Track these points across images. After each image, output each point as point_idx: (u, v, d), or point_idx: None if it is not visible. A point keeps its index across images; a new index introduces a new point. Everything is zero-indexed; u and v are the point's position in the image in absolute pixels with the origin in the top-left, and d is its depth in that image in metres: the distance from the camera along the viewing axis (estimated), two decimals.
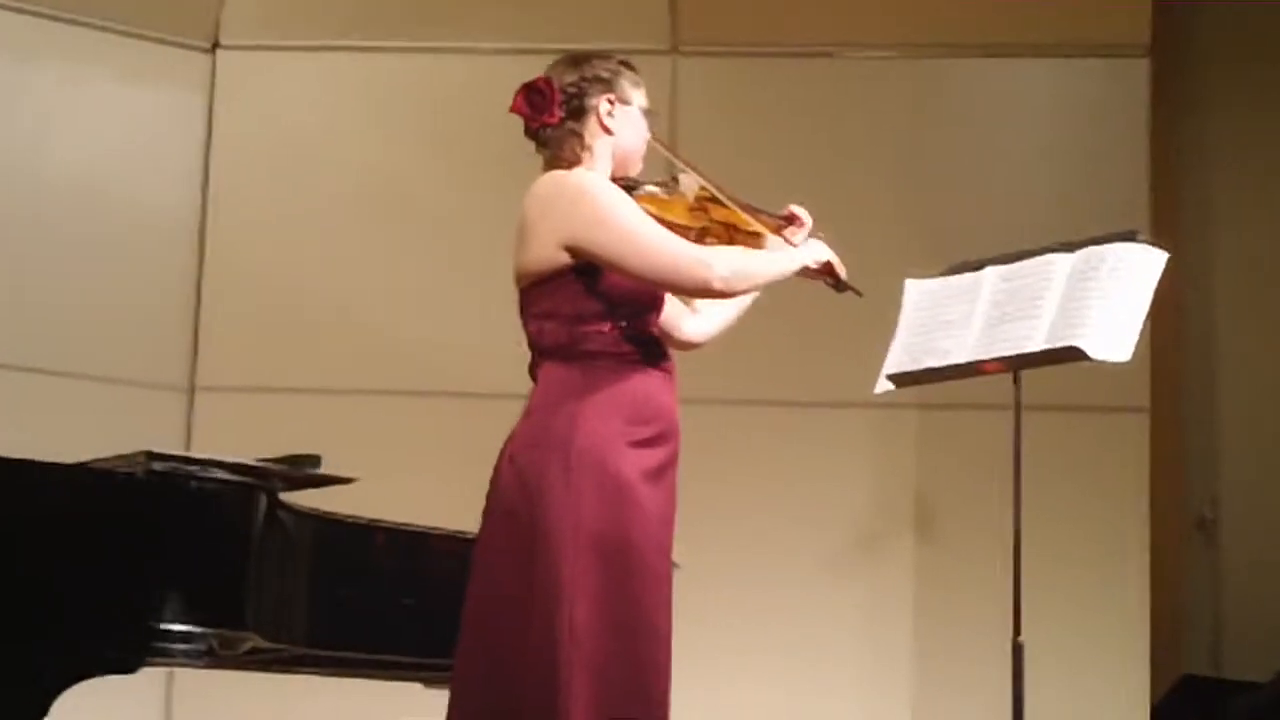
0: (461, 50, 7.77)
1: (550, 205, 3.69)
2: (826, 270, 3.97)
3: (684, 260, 3.66)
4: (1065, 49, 7.71)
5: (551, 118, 3.79)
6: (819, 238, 4.05)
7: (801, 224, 4.04)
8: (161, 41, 7.83)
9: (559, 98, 3.79)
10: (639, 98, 3.88)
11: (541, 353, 3.74)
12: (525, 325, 3.77)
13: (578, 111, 3.80)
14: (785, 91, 7.81)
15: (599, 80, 3.82)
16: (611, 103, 3.82)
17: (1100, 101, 7.74)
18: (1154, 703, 7.21)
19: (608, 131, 3.82)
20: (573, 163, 3.79)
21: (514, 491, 3.63)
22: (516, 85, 3.83)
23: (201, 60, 7.90)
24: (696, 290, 3.74)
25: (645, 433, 3.65)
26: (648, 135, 3.90)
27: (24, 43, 7.57)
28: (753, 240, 3.96)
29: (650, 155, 3.96)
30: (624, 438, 3.62)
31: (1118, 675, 7.21)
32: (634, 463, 3.61)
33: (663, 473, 3.68)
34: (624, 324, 3.70)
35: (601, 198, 3.68)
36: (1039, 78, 7.86)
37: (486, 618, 3.63)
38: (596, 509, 3.55)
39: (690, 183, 3.90)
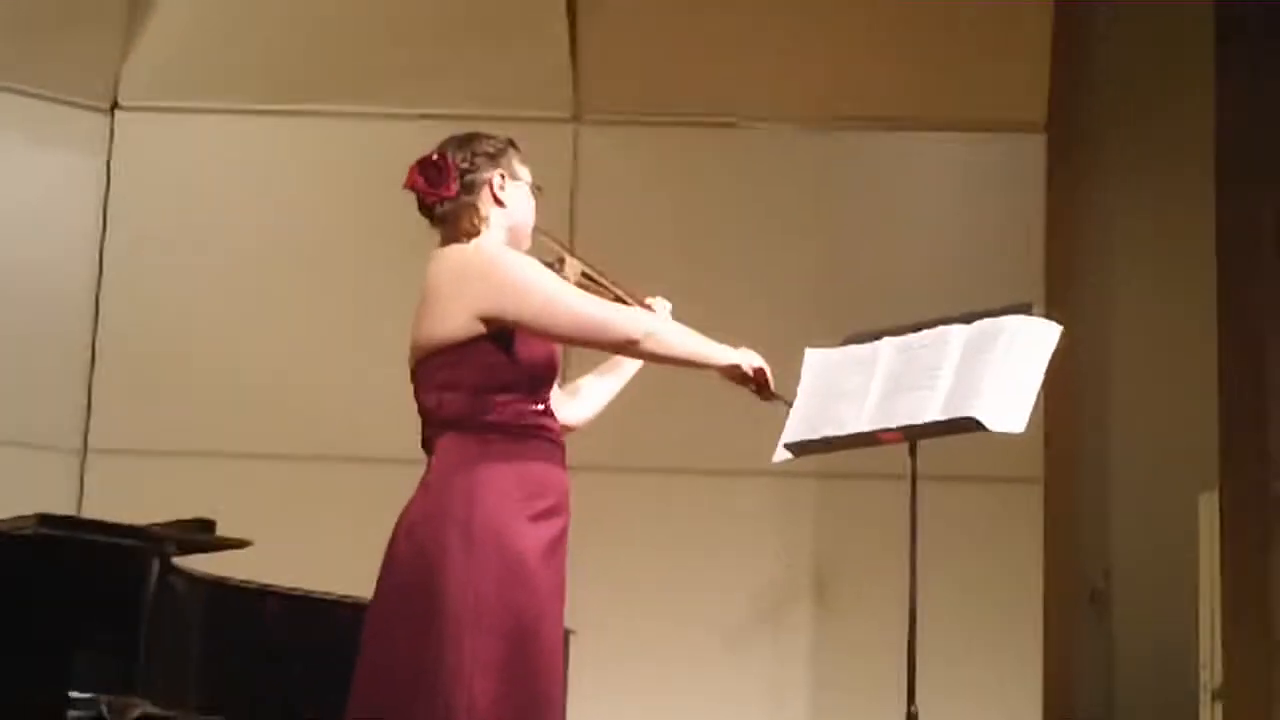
0: (364, 115, 7.76)
1: (460, 277, 3.72)
2: (757, 378, 4.04)
3: (604, 314, 3.77)
4: (965, 123, 7.81)
5: (449, 191, 3.82)
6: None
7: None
8: (59, 101, 7.78)
9: (454, 171, 3.82)
10: (526, 174, 3.94)
11: (440, 424, 3.74)
12: (421, 397, 3.78)
13: (470, 186, 3.84)
14: (688, 160, 7.85)
15: (488, 156, 3.87)
16: (504, 177, 3.87)
17: (998, 175, 7.84)
18: None
19: (500, 204, 3.86)
20: (471, 235, 3.82)
21: (410, 565, 3.62)
22: (420, 149, 3.84)
23: (99, 121, 7.85)
24: (621, 345, 3.82)
25: (541, 505, 3.68)
26: (533, 211, 3.94)
27: None
28: None
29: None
30: (522, 512, 3.64)
31: None
32: (532, 537, 3.64)
33: (556, 546, 3.71)
34: (524, 396, 3.73)
35: (515, 266, 3.74)
36: (939, 151, 7.94)
37: (378, 689, 3.61)
38: (497, 584, 3.56)
39: (575, 264, 3.98)
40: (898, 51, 7.75)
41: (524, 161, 3.94)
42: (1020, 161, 7.77)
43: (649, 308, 4.06)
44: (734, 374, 4.00)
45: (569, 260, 3.97)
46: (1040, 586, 7.40)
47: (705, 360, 3.95)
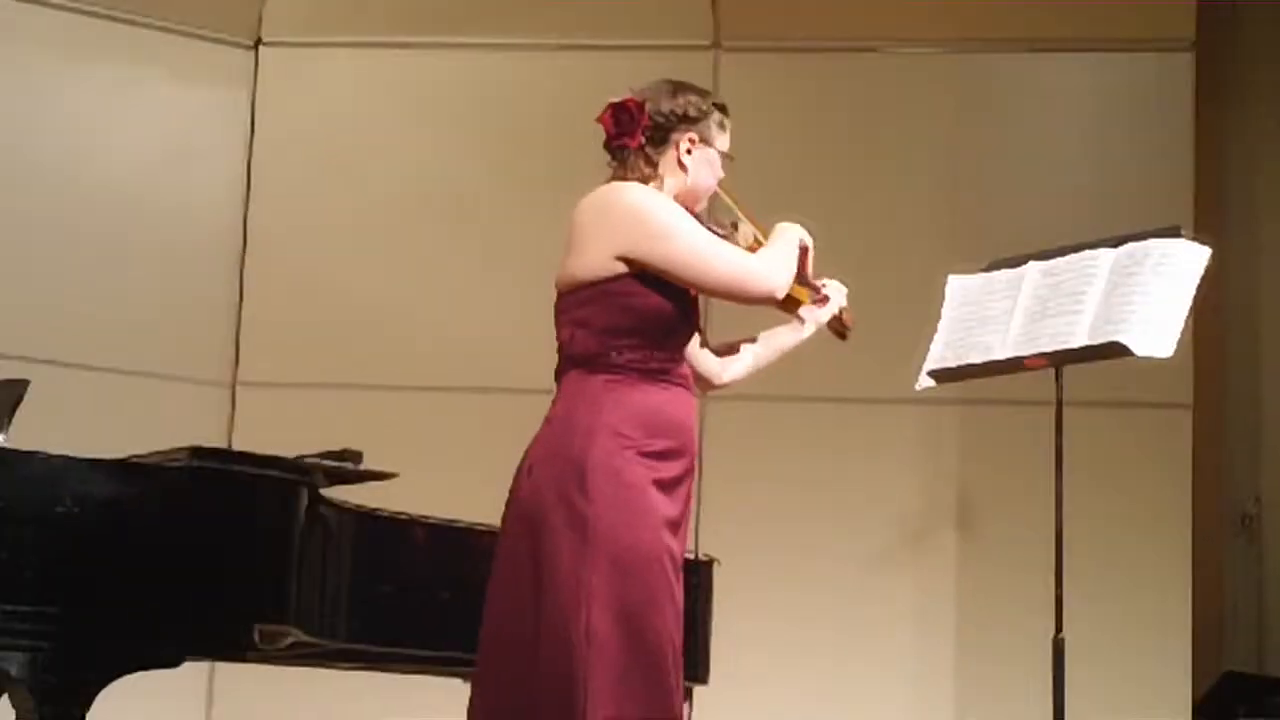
0: (504, 47, 7.76)
1: (607, 215, 3.72)
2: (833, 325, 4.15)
3: (743, 265, 3.78)
4: (1110, 44, 7.68)
5: (633, 141, 3.82)
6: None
7: (827, 300, 4.12)
8: (205, 39, 7.87)
9: (646, 123, 3.82)
10: (722, 142, 3.93)
11: (569, 359, 3.76)
12: (558, 330, 3.80)
13: (659, 141, 3.84)
14: (828, 87, 7.79)
15: (687, 118, 3.86)
16: (693, 142, 3.86)
17: (1144, 96, 7.71)
18: (1195, 699, 7.17)
19: (682, 168, 3.86)
20: (641, 183, 3.81)
21: (530, 499, 3.66)
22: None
23: (244, 57, 7.93)
24: (761, 297, 3.82)
25: (659, 445, 3.68)
26: (720, 176, 3.94)
27: (73, 41, 7.61)
28: (789, 305, 4.06)
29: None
30: (639, 449, 3.65)
31: (1159, 671, 7.18)
32: (648, 474, 3.65)
33: (676, 484, 3.72)
34: (654, 342, 3.73)
35: (663, 212, 3.73)
36: (1083, 73, 7.82)
37: (504, 622, 3.66)
38: (610, 518, 3.58)
39: (748, 232, 3.97)
40: None
41: (724, 128, 3.93)
42: (1168, 81, 7.64)
43: (820, 293, 4.09)
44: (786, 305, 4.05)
45: (743, 226, 3.96)
46: (1189, 513, 7.32)
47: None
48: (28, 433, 4.41)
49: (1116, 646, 7.00)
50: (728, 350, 4.13)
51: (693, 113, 3.86)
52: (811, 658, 7.30)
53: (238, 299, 7.81)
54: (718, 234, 3.88)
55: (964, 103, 7.77)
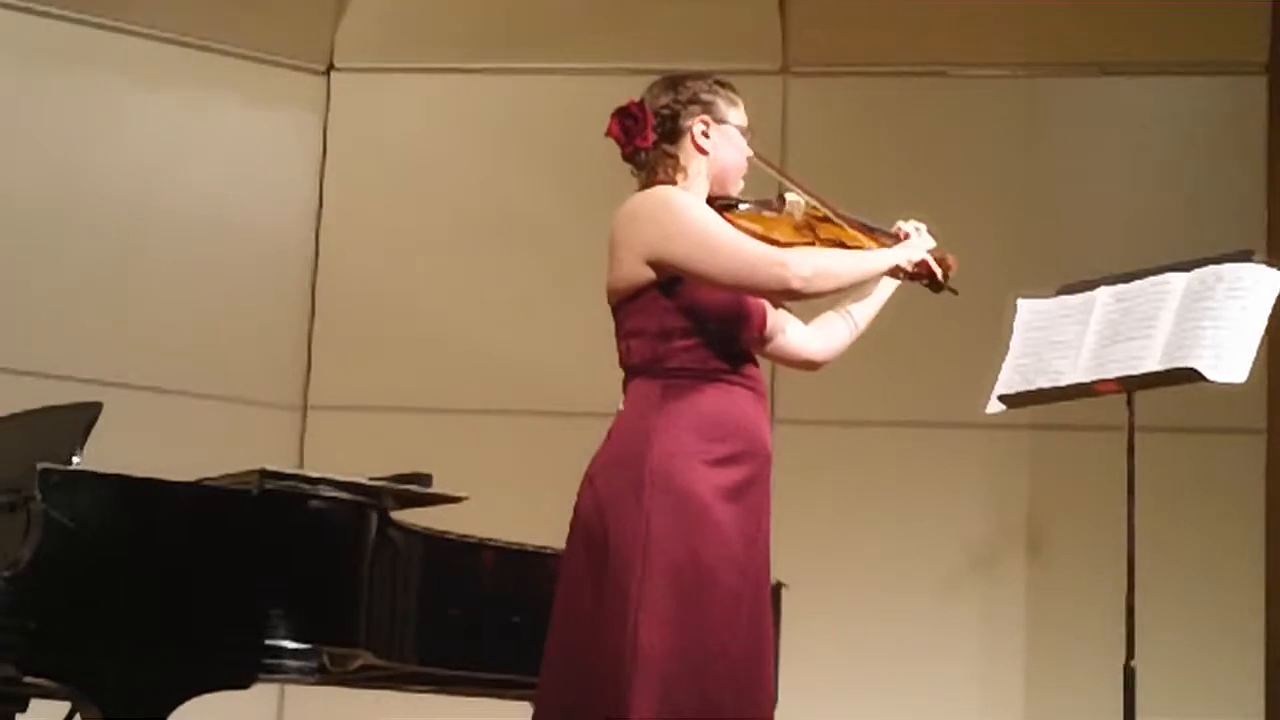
0: (572, 71, 7.80)
1: (634, 222, 3.70)
2: (923, 270, 3.93)
3: (760, 260, 3.64)
4: (1181, 66, 7.64)
5: (645, 141, 3.79)
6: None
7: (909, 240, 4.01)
8: (278, 64, 7.93)
9: (652, 120, 3.79)
10: (736, 116, 3.86)
11: (629, 370, 3.74)
12: (617, 343, 3.78)
13: (672, 134, 3.80)
14: (897, 111, 7.78)
15: (693, 101, 3.81)
16: (706, 123, 3.81)
17: (1217, 119, 7.67)
18: None
19: (702, 152, 3.81)
20: (667, 184, 3.78)
21: (591, 512, 3.62)
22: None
23: (316, 82, 8.00)
24: (776, 291, 3.70)
25: (722, 450, 3.62)
26: (748, 152, 3.88)
27: (147, 67, 7.68)
28: None
29: (760, 174, 3.95)
30: (699, 455, 3.59)
31: (1232, 701, 7.12)
32: (709, 480, 3.59)
33: (744, 490, 3.64)
34: (710, 340, 3.68)
35: (679, 210, 3.68)
36: (1155, 96, 7.79)
37: (566, 636, 3.63)
38: (667, 528, 3.53)
39: (798, 200, 3.88)
40: None
41: (734, 103, 3.87)
42: (1241, 104, 7.59)
43: (901, 236, 3.96)
44: (900, 274, 3.92)
45: (790, 196, 3.87)
46: (1262, 540, 7.25)
47: (873, 271, 3.87)
48: (101, 455, 4.44)
49: (1189, 675, 6.94)
50: (818, 324, 3.99)
51: (699, 95, 3.82)
52: (880, 684, 7.27)
53: (309, 322, 7.86)
54: (763, 216, 3.81)
55: (1034, 126, 7.74)
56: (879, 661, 7.29)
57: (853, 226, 3.91)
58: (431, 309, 7.76)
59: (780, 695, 5.30)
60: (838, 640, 7.17)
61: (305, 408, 7.79)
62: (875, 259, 3.87)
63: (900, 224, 4.01)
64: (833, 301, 3.98)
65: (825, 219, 3.89)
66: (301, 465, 7.26)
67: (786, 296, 3.74)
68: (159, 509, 4.41)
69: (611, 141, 3.84)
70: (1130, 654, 4.30)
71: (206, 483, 4.62)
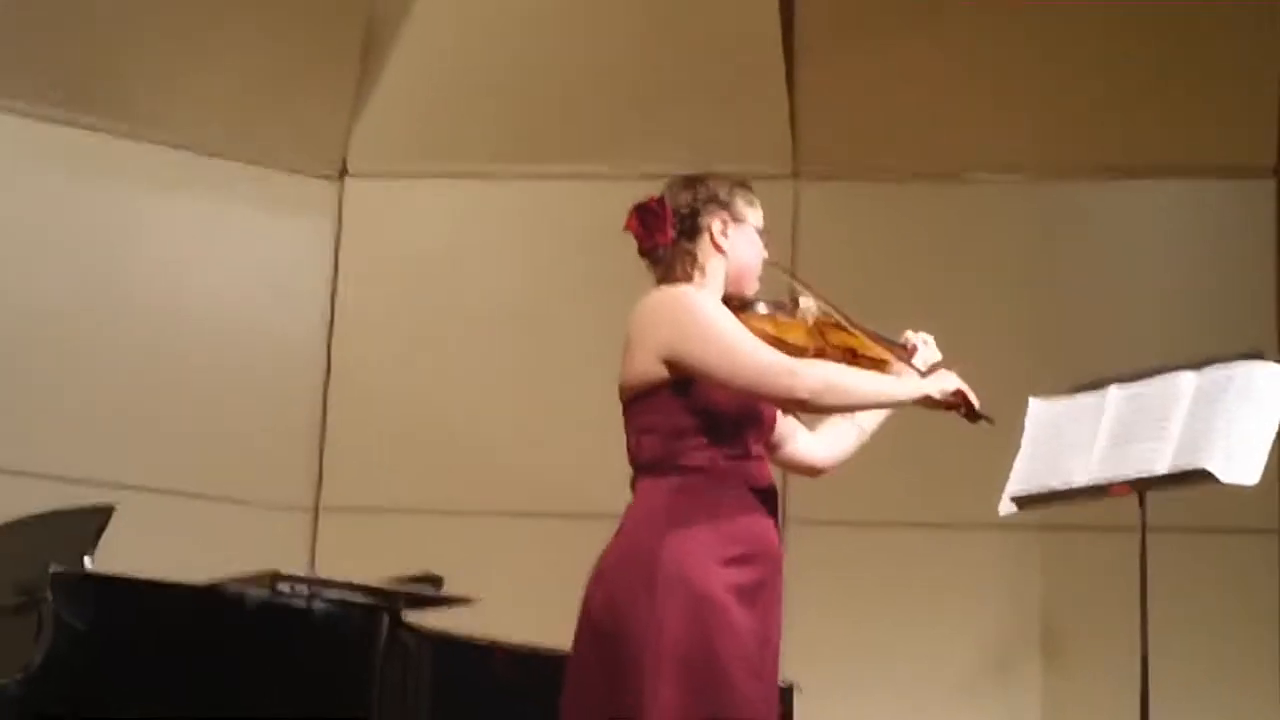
0: (587, 177, 7.83)
1: (653, 318, 3.71)
2: (959, 399, 3.88)
3: (770, 369, 3.63)
4: (1191, 169, 7.67)
5: (664, 237, 3.81)
6: (941, 367, 4.02)
7: (915, 351, 4.00)
8: (292, 171, 7.98)
9: (672, 217, 3.81)
10: (754, 216, 3.89)
11: (639, 468, 3.74)
12: (626, 439, 3.78)
13: (691, 231, 3.82)
14: (909, 215, 7.81)
15: (713, 200, 3.84)
16: (725, 222, 3.83)
17: (1227, 221, 7.69)
18: None
19: (720, 251, 3.83)
20: (685, 282, 3.80)
21: (602, 608, 3.61)
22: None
23: (329, 189, 8.05)
24: (781, 398, 3.69)
25: (735, 550, 3.62)
26: (764, 254, 3.90)
27: (163, 175, 7.74)
28: (875, 366, 3.93)
29: (773, 277, 3.96)
30: (712, 555, 3.58)
31: None
32: (723, 580, 3.58)
33: (756, 592, 3.63)
34: (722, 441, 3.68)
35: (698, 311, 3.69)
36: (1165, 198, 7.81)
37: None
38: (681, 627, 3.51)
39: (810, 305, 3.90)
40: (1121, 99, 7.63)
41: (752, 203, 3.89)
42: (1251, 206, 7.62)
43: (907, 349, 3.98)
44: (930, 403, 3.85)
45: (804, 300, 3.89)
46: (1277, 641, 7.21)
47: (893, 399, 3.85)
48: (113, 558, 4.45)
49: None
50: (821, 431, 4.01)
51: (719, 194, 3.84)
52: None
53: (321, 424, 7.87)
54: (777, 318, 3.83)
55: (1045, 229, 7.77)
56: None
57: (864, 334, 3.91)
58: (444, 412, 7.76)
59: None
60: None
61: (317, 509, 7.79)
62: (901, 388, 3.84)
63: (909, 334, 4.03)
64: None
65: (836, 325, 3.90)
66: (313, 567, 7.26)
67: (794, 407, 3.75)
68: (170, 612, 4.41)
69: (629, 246, 3.86)
70: None
71: (218, 585, 4.62)
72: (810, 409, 3.77)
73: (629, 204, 3.90)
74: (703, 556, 3.58)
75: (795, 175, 7.83)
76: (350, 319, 7.96)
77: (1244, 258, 7.58)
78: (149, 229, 7.73)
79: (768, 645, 3.64)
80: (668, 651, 3.50)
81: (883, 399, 3.86)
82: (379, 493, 7.67)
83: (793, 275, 3.98)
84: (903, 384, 3.86)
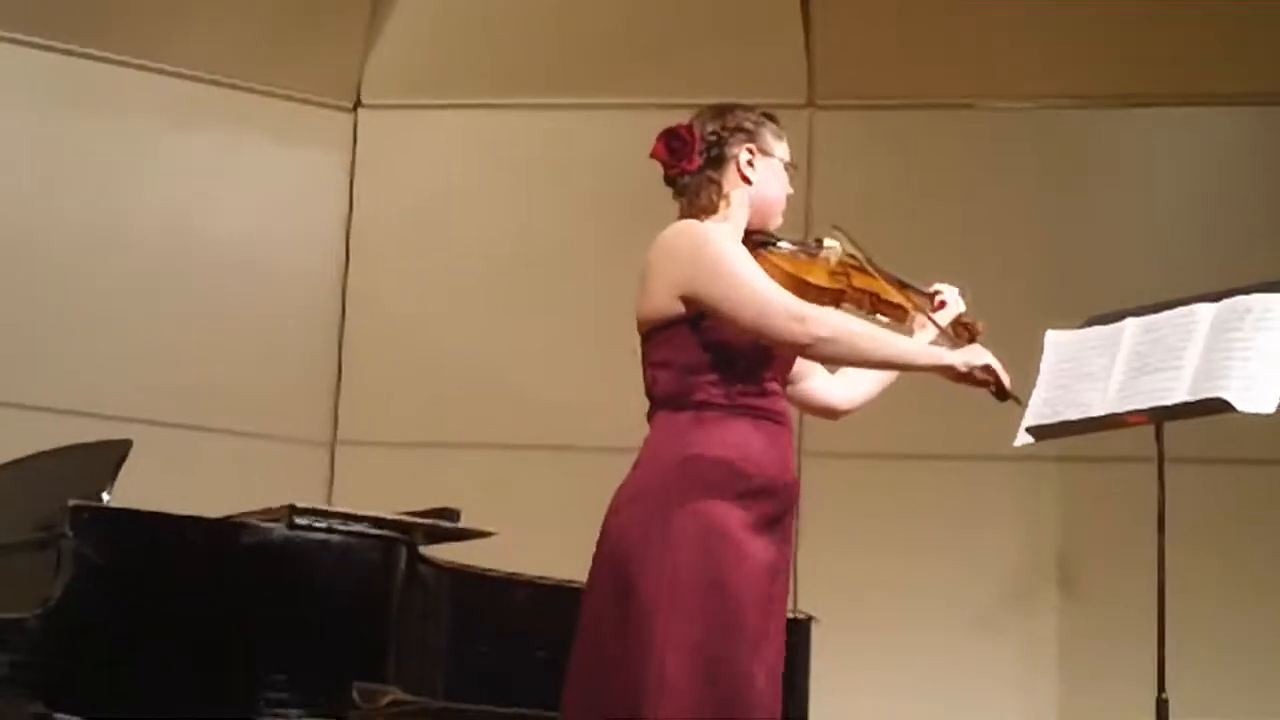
0: (600, 107, 7.81)
1: (671, 254, 3.70)
2: (989, 377, 3.77)
3: (775, 308, 3.62)
4: (1208, 98, 7.63)
5: (690, 164, 3.79)
6: (966, 319, 4.01)
7: (944, 305, 4.01)
8: (306, 102, 7.97)
9: (699, 145, 3.79)
10: (781, 150, 3.88)
11: (655, 401, 3.73)
12: (643, 373, 3.77)
13: (717, 160, 3.80)
14: (923, 144, 7.78)
15: (741, 130, 3.82)
16: (752, 153, 3.82)
17: (1244, 150, 7.66)
18: None
19: (746, 181, 3.81)
20: (709, 211, 3.78)
21: (617, 541, 3.61)
22: (653, 140, 3.85)
23: (344, 120, 8.03)
24: (784, 343, 3.67)
25: (750, 485, 3.62)
26: (789, 189, 3.89)
27: (177, 106, 7.73)
28: (895, 312, 3.94)
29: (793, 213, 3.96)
30: (728, 490, 3.59)
31: None
32: (738, 515, 3.58)
33: (771, 525, 3.64)
34: (737, 377, 3.68)
35: (716, 248, 3.67)
36: (1183, 128, 7.77)
37: (590, 663, 3.61)
38: (695, 561, 3.52)
39: (835, 246, 3.88)
40: (1135, 26, 7.58)
41: (780, 137, 3.88)
42: (1265, 135, 7.60)
43: (932, 300, 3.98)
44: (954, 375, 3.77)
45: (829, 241, 3.87)
46: None
47: (910, 363, 3.78)
48: (131, 493, 4.46)
49: (1221, 706, 6.90)
50: (841, 373, 4.00)
51: (747, 125, 3.83)
52: (912, 714, 7.23)
53: (337, 358, 7.87)
54: (799, 257, 3.81)
55: (1061, 159, 7.74)
56: (910, 697, 7.26)
57: (888, 280, 3.89)
58: (460, 344, 7.77)
59: None
60: (868, 675, 7.14)
61: (334, 443, 7.80)
62: (922, 354, 3.79)
63: (937, 286, 4.01)
64: None
65: (860, 269, 3.88)
66: (330, 501, 7.28)
67: (793, 349, 3.72)
68: (189, 545, 4.42)
69: (645, 177, 3.85)
70: (1161, 686, 4.28)
71: (236, 519, 4.63)
72: (813, 356, 3.75)
73: (643, 134, 3.89)
74: (717, 491, 3.58)
75: (810, 104, 7.80)
76: (365, 251, 7.96)
77: (1262, 186, 7.55)
78: (162, 161, 7.71)
79: (779, 578, 3.65)
80: (683, 584, 3.50)
81: (897, 361, 3.80)
82: (396, 427, 7.69)
83: (836, 227, 3.93)
84: (925, 351, 3.82)
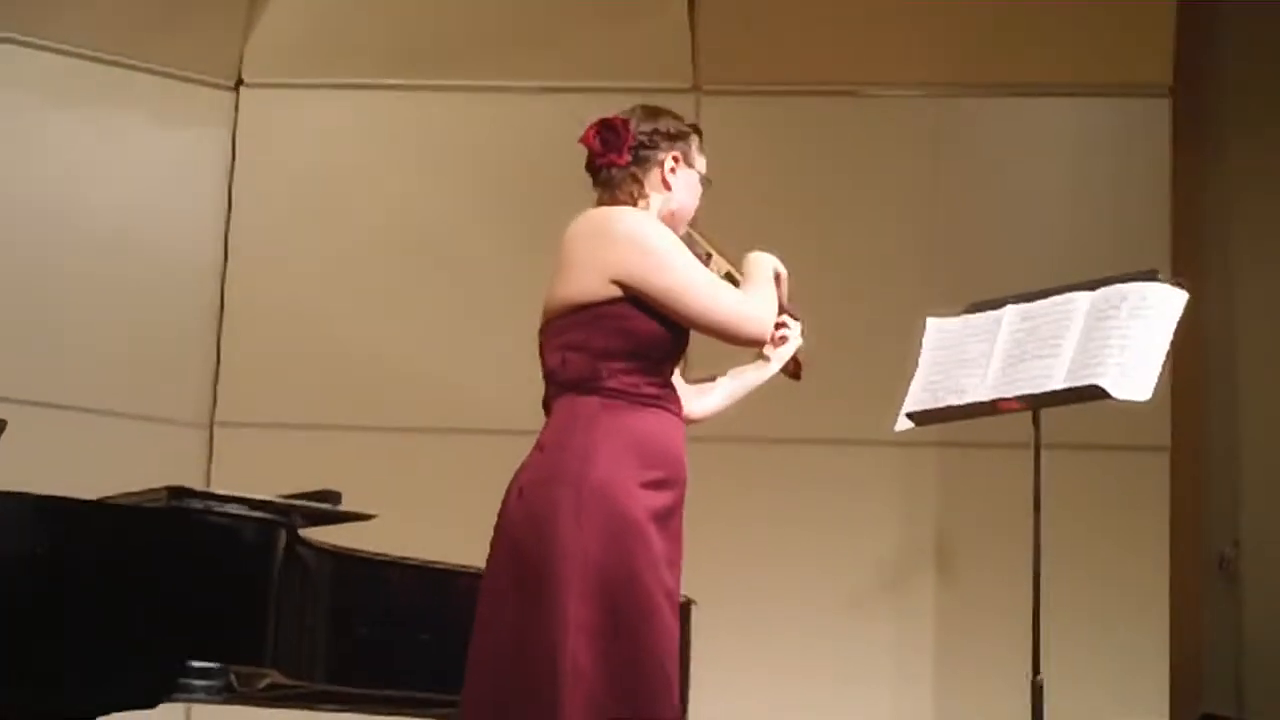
0: (484, 89, 7.78)
1: (604, 239, 3.71)
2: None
3: (747, 313, 3.79)
4: (1087, 88, 7.72)
5: (620, 159, 3.83)
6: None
7: (784, 341, 4.07)
8: (187, 79, 7.88)
9: (631, 141, 3.83)
10: (701, 164, 3.94)
11: (560, 385, 3.73)
12: (546, 356, 3.78)
13: (644, 160, 3.85)
14: (807, 130, 7.82)
15: (672, 136, 3.88)
16: (677, 160, 3.88)
17: (1122, 140, 7.75)
18: None
19: (667, 186, 3.86)
20: (626, 205, 3.82)
21: (522, 524, 3.62)
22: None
23: (225, 98, 7.95)
24: (751, 339, 3.83)
25: (655, 475, 3.65)
26: (697, 202, 3.95)
27: (56, 83, 7.62)
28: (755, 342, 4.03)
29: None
30: (635, 478, 3.62)
31: (1138, 714, 7.18)
32: (644, 503, 3.61)
33: (670, 516, 3.68)
34: (646, 366, 3.71)
35: (664, 241, 3.72)
36: (1061, 116, 7.86)
37: (491, 647, 3.61)
38: (605, 547, 3.54)
39: (720, 264, 3.95)
40: (1018, 16, 7.67)
41: (702, 151, 3.95)
42: (1145, 125, 7.68)
43: (783, 325, 4.05)
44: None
45: (716, 258, 3.94)
46: (1167, 556, 7.33)
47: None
48: (3, 474, 4.40)
49: (1095, 689, 7.00)
50: (700, 384, 4.08)
51: (675, 131, 3.89)
52: (789, 702, 7.28)
53: (216, 339, 7.81)
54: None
55: (942, 146, 7.80)
56: (789, 678, 7.31)
57: (727, 258, 3.99)
58: (340, 326, 7.72)
59: (690, 712, 5.34)
60: (748, 657, 7.18)
61: (212, 425, 7.74)
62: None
63: (786, 319, 4.07)
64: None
65: (730, 272, 3.97)
66: (209, 484, 7.21)
67: (755, 344, 3.90)
68: (64, 528, 4.37)
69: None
70: (1036, 668, 4.33)
71: (113, 501, 4.58)
72: (741, 345, 3.89)
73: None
74: (625, 478, 3.60)
75: (695, 89, 7.81)
76: (246, 231, 7.90)
77: (1139, 176, 7.64)
78: (42, 137, 7.61)
79: (673, 568, 3.68)
80: (593, 570, 3.52)
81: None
82: (276, 408, 7.63)
83: (700, 233, 3.99)
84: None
